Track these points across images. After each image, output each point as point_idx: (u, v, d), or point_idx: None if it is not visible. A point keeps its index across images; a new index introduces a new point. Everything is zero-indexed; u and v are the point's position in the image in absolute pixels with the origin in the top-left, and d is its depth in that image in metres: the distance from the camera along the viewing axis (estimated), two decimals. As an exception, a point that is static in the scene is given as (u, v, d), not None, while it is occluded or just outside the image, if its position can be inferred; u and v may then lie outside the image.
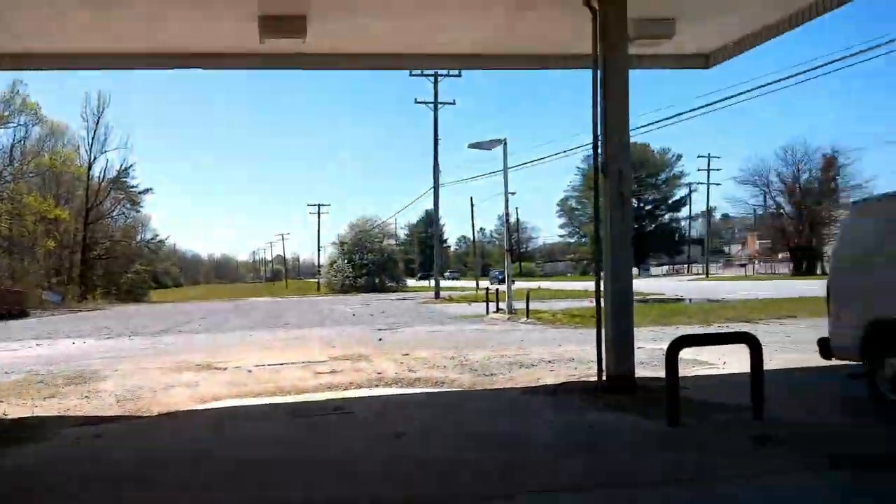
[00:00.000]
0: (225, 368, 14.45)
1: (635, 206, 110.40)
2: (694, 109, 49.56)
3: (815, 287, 36.49)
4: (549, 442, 7.79)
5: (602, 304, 10.97)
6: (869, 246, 9.10)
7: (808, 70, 18.37)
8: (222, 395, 11.44)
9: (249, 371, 13.93)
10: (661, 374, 11.55)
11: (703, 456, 7.05)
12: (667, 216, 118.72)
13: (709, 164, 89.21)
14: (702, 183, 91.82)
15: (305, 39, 11.50)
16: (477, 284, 61.87)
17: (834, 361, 9.53)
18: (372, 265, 68.10)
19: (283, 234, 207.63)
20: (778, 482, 6.17)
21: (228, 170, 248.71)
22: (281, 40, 11.61)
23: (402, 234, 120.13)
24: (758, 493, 5.94)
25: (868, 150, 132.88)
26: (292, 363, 14.89)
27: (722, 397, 9.54)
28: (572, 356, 14.60)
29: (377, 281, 67.71)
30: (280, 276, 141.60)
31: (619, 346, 10.65)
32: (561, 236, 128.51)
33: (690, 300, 34.76)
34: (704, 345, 10.12)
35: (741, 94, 28.45)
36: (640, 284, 59.75)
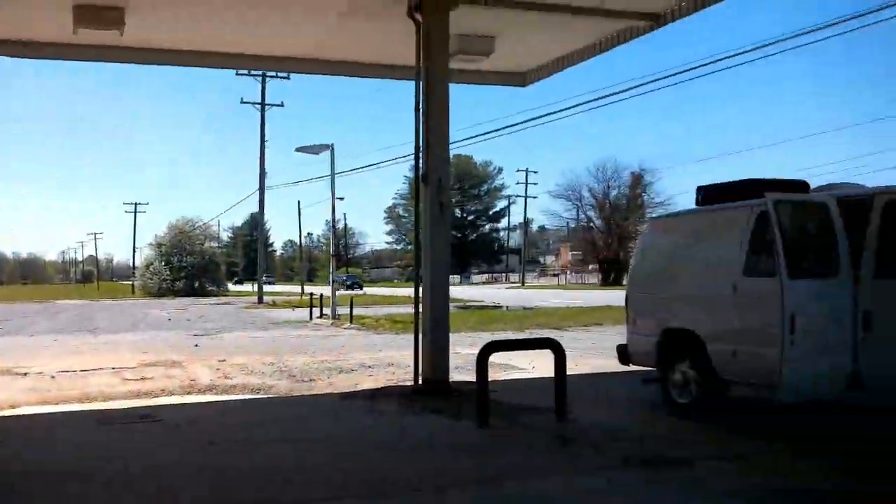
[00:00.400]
0: (26, 374, 13.60)
1: (458, 216, 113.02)
2: (513, 125, 50.89)
3: (620, 296, 38.70)
4: (363, 446, 7.85)
5: (420, 311, 11.24)
6: (662, 259, 9.83)
7: (610, 94, 19.47)
8: (20, 402, 10.77)
9: (53, 377, 13.19)
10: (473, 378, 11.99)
11: (508, 456, 7.40)
12: (487, 226, 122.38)
13: (526, 178, 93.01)
14: (520, 196, 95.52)
15: (123, 32, 11.10)
16: (302, 289, 61.17)
17: (632, 367, 10.20)
18: (192, 268, 65.68)
19: (95, 234, 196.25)
20: (577, 479, 6.57)
21: (37, 165, 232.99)
22: (97, 32, 11.16)
23: (225, 236, 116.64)
24: (559, 490, 6.28)
25: (672, 170, 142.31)
26: (100, 369, 14.22)
27: (530, 400, 9.97)
28: (392, 361, 14.82)
29: (197, 285, 65.41)
30: (92, 277, 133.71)
31: (435, 351, 10.95)
32: (388, 243, 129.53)
33: (507, 307, 35.97)
34: (513, 350, 10.58)
35: (553, 112, 29.76)
36: (462, 291, 61.35)
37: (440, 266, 11.26)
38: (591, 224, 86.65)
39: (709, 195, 9.37)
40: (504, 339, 14.53)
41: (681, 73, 17.47)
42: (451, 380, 11.20)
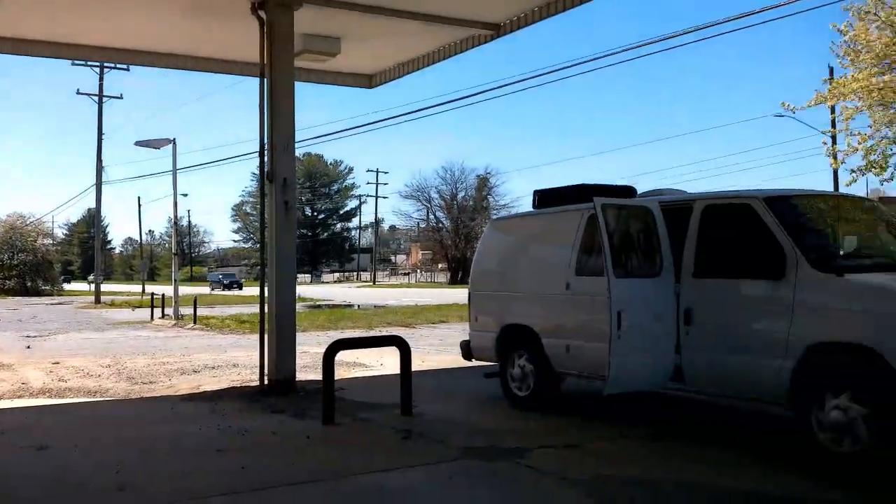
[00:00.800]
0: None
1: (309, 214, 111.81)
2: (362, 126, 51.05)
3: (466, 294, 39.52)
4: (203, 448, 7.70)
5: (266, 309, 11.17)
6: (502, 259, 10.21)
7: (455, 100, 20.04)
8: None
9: None
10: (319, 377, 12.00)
11: (351, 451, 7.51)
12: (339, 225, 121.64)
13: (377, 178, 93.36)
14: (371, 196, 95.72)
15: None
16: (143, 289, 58.75)
17: (475, 362, 10.53)
18: (24, 266, 61.76)
19: None
20: (417, 471, 6.75)
21: None
22: None
23: (60, 233, 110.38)
24: (399, 483, 6.44)
25: (517, 173, 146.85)
26: (-84, 375, 13.25)
27: (377, 397, 10.11)
28: (237, 362, 14.59)
29: (30, 284, 61.56)
30: None
31: (281, 350, 10.90)
32: (235, 241, 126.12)
33: (359, 306, 36.01)
34: (359, 347, 10.69)
35: (401, 115, 30.20)
36: (312, 290, 60.86)
37: (286, 264, 11.21)
38: (440, 224, 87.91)
39: (544, 198, 9.82)
40: (351, 336, 14.60)
41: (525, 80, 18.12)
42: (298, 379, 11.17)
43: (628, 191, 9.23)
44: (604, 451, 7.36)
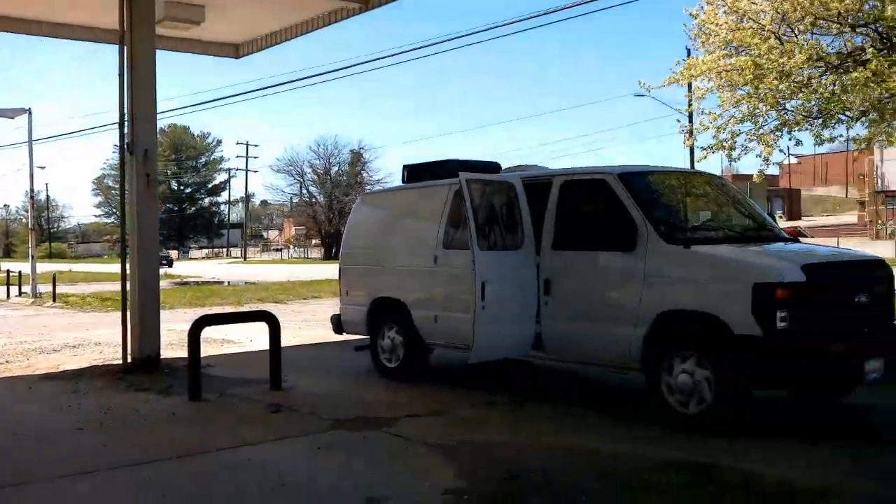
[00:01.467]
0: None
1: (175, 188, 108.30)
2: (230, 97, 49.87)
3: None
4: (62, 427, 7.49)
5: (129, 286, 10.87)
6: (371, 233, 10.30)
7: (328, 72, 19.85)
8: None
9: None
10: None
11: (218, 427, 7.47)
12: (207, 200, 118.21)
13: (247, 151, 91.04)
14: (241, 169, 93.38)
15: None
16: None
17: (345, 336, 10.60)
18: None
19: None
20: (285, 444, 6.80)
21: None
22: None
23: None
24: (268, 455, 6.45)
25: (390, 148, 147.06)
26: None
27: (246, 373, 10.05)
28: (100, 340, 14.10)
29: None
30: None
31: (144, 327, 10.64)
32: (97, 216, 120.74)
33: (228, 282, 35.31)
34: (227, 323, 10.54)
35: (270, 87, 29.66)
36: (180, 267, 59.11)
37: (148, 238, 10.92)
38: (314, 199, 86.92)
39: (413, 173, 9.98)
40: (220, 312, 14.38)
41: (394, 55, 18.13)
42: (164, 357, 10.94)
43: (494, 166, 9.49)
44: (470, 417, 7.62)
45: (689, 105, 15.06)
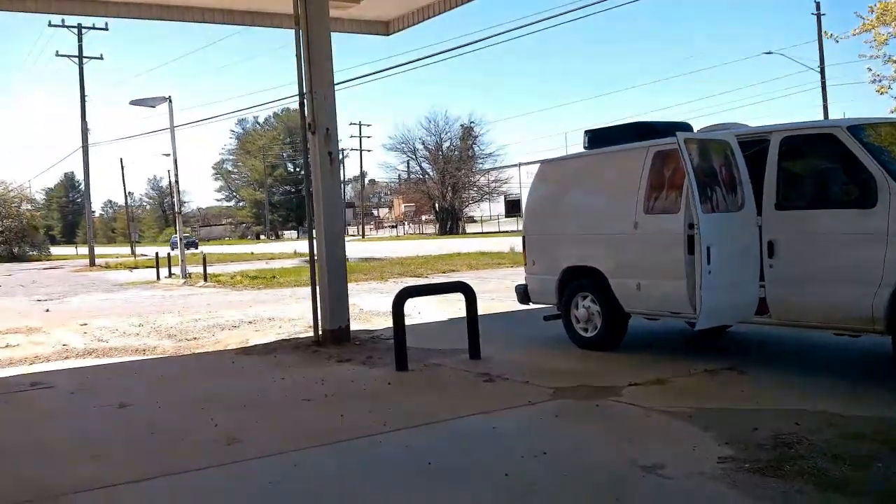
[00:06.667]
0: None
1: (292, 171, 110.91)
2: (368, 75, 50.13)
3: (461, 244, 39.67)
4: (288, 399, 7.69)
5: (316, 260, 11.10)
6: (555, 201, 10.09)
7: (460, 47, 19.76)
8: None
9: None
10: (363, 327, 12.01)
11: (439, 396, 7.48)
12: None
13: (360, 131, 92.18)
14: (355, 149, 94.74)
15: None
16: (132, 250, 58.32)
17: (532, 306, 10.49)
18: (9, 233, 60.95)
19: None
20: (520, 412, 6.74)
21: None
22: None
23: (39, 198, 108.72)
24: (505, 424, 6.38)
25: (501, 122, 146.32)
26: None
27: (433, 343, 10.10)
28: (271, 316, 14.52)
29: (16, 250, 60.89)
30: None
31: (335, 301, 10.86)
32: (217, 200, 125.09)
33: (367, 259, 35.86)
34: (425, 295, 10.63)
35: (419, 59, 29.77)
36: (304, 246, 60.48)
37: (334, 216, 11.16)
38: (426, 175, 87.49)
39: (596, 138, 9.75)
40: (415, 285, 14.51)
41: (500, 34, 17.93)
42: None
43: (685, 127, 9.15)
44: (694, 385, 7.39)
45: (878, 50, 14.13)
